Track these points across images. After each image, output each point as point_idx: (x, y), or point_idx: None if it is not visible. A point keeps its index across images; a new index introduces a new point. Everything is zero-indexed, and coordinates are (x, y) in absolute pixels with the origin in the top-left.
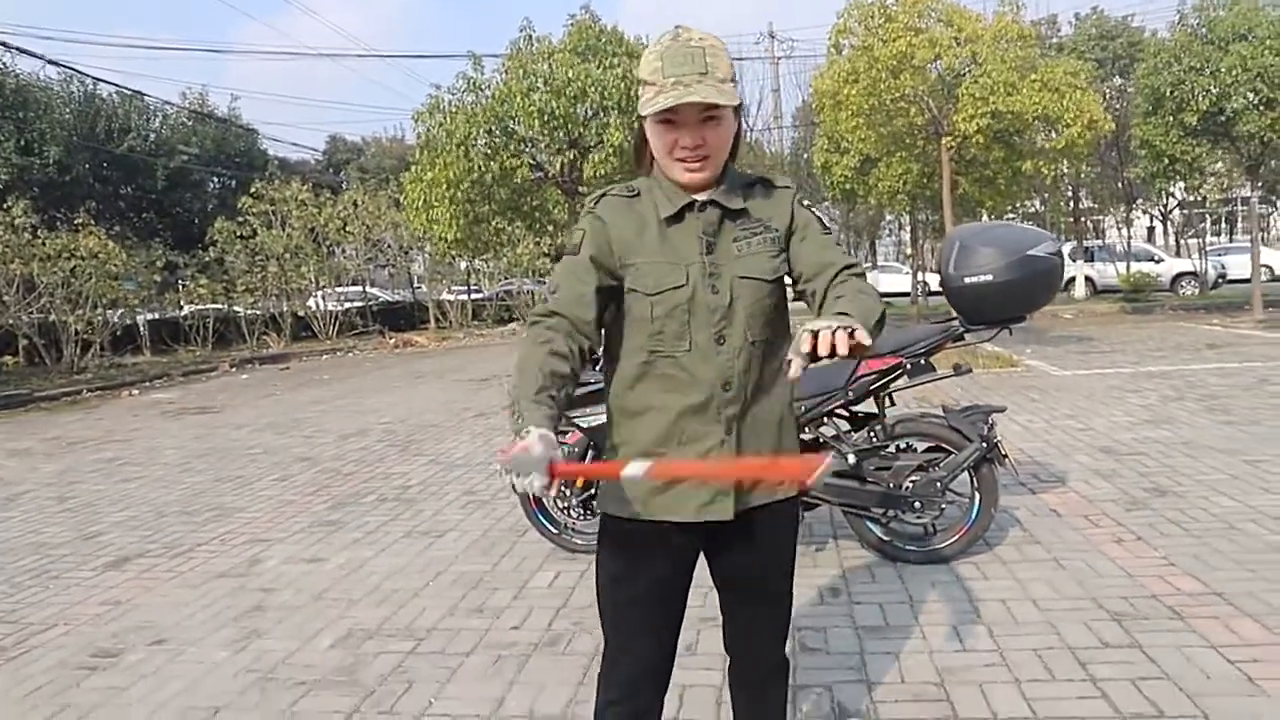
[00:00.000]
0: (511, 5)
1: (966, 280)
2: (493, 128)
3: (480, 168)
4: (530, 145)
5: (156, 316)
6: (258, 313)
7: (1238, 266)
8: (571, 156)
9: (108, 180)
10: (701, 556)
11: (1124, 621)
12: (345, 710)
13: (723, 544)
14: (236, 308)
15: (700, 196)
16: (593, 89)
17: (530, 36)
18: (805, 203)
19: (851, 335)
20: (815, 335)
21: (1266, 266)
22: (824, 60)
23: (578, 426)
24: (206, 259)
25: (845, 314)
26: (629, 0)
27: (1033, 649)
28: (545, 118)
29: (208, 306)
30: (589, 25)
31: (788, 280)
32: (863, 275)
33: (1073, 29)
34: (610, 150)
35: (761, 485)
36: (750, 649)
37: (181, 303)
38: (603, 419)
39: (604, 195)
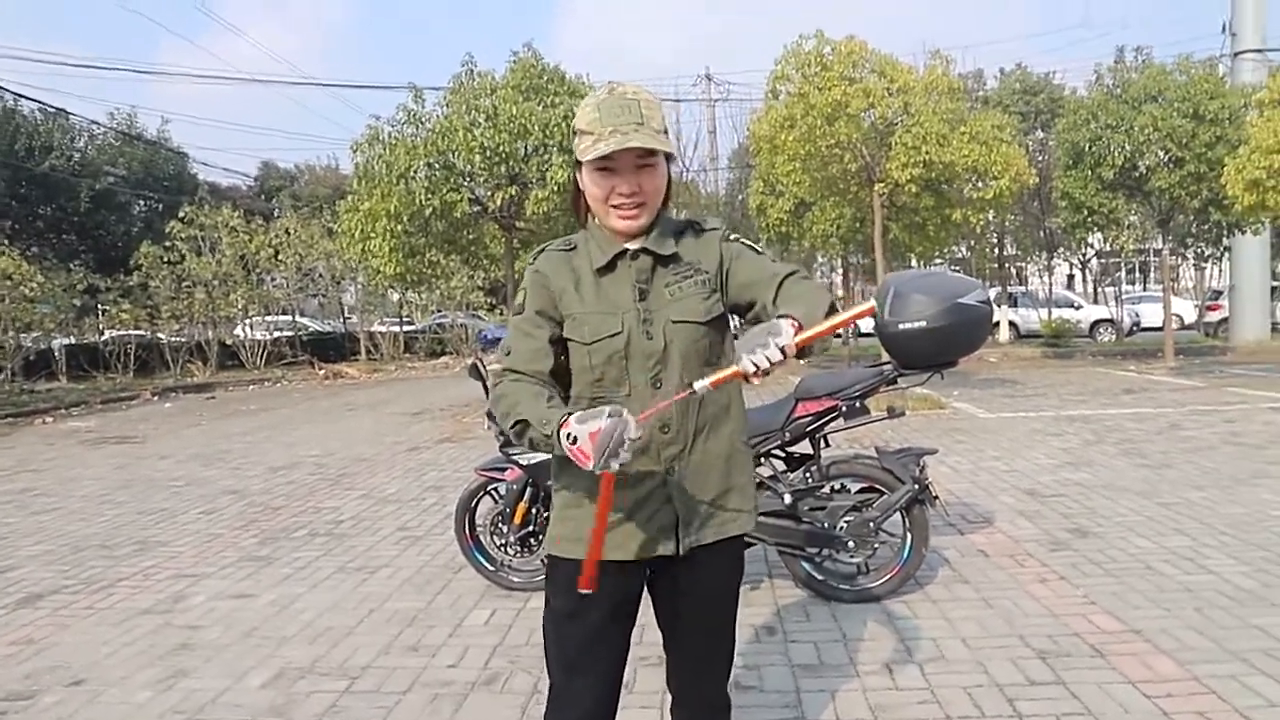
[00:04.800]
0: (448, 39)
1: (900, 326)
2: (433, 161)
3: (420, 201)
4: (470, 180)
5: (74, 341)
6: (182, 340)
7: (1151, 315)
8: (512, 192)
9: (26, 200)
10: (646, 594)
11: (1049, 659)
12: None
13: (668, 580)
14: (160, 334)
15: (632, 245)
16: (535, 126)
17: (472, 71)
18: (733, 237)
19: (783, 352)
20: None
21: (1177, 315)
22: (760, 104)
23: (517, 464)
24: (130, 284)
25: (788, 315)
26: (567, 39)
27: (962, 686)
28: (487, 153)
29: (129, 332)
30: (532, 63)
31: (734, 320)
32: (808, 278)
33: (998, 83)
34: (553, 188)
35: (713, 520)
36: (692, 687)
37: (102, 328)
38: (543, 457)
39: (543, 251)
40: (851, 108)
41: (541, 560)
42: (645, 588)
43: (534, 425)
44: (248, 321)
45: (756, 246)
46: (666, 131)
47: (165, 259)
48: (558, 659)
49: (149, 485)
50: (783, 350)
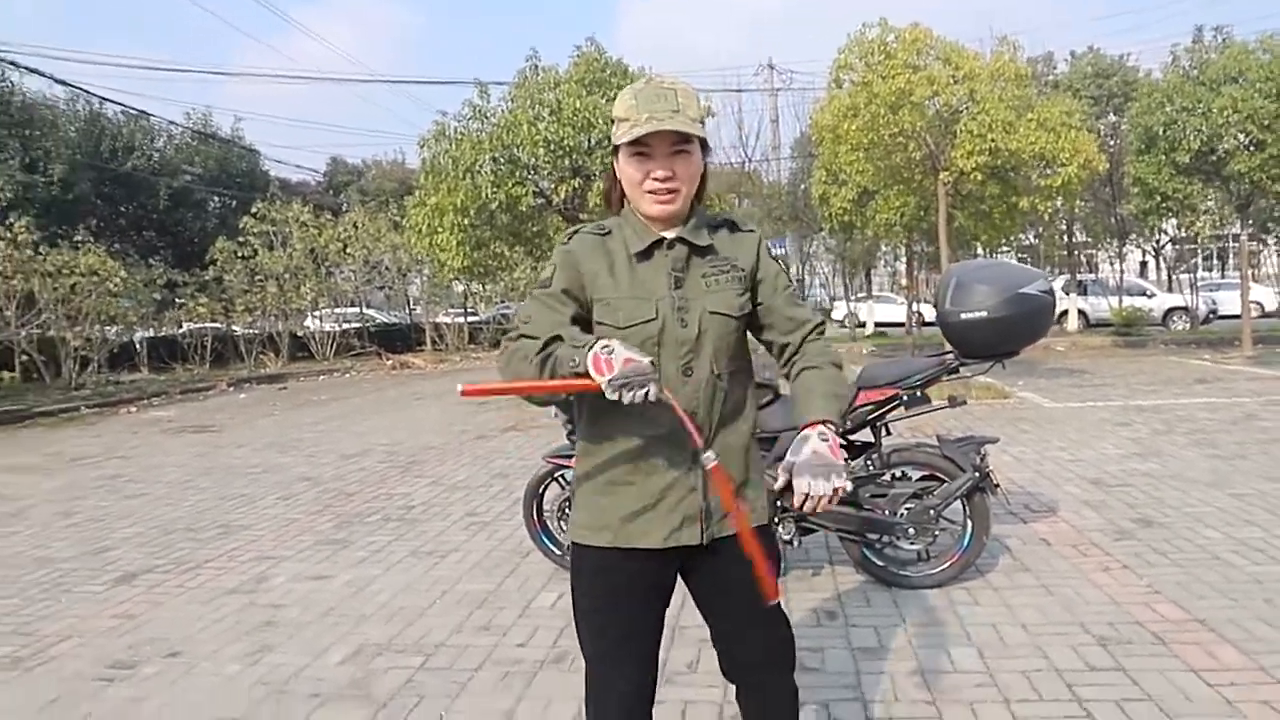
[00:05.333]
0: (508, 37)
1: (963, 316)
2: (498, 155)
3: (486, 195)
4: (534, 173)
5: (154, 334)
6: (255, 332)
7: (1228, 302)
8: (575, 185)
9: (110, 199)
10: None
11: (1109, 646)
12: None
13: (697, 572)
14: (234, 327)
15: (669, 234)
16: (598, 119)
17: (536, 66)
18: (775, 255)
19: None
20: (805, 497)
21: (1256, 303)
22: (822, 93)
23: None
24: (206, 278)
25: (827, 421)
26: (628, 34)
27: (1021, 670)
28: (551, 146)
29: (206, 325)
30: (595, 57)
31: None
32: (823, 332)
33: (1068, 66)
34: None
35: (731, 514)
36: (748, 674)
37: (181, 321)
38: None
39: (576, 232)
40: (915, 96)
41: None
42: (680, 579)
43: (566, 340)
44: (317, 314)
45: (789, 273)
46: (703, 121)
47: (239, 254)
48: (591, 646)
49: (228, 472)
50: (835, 492)
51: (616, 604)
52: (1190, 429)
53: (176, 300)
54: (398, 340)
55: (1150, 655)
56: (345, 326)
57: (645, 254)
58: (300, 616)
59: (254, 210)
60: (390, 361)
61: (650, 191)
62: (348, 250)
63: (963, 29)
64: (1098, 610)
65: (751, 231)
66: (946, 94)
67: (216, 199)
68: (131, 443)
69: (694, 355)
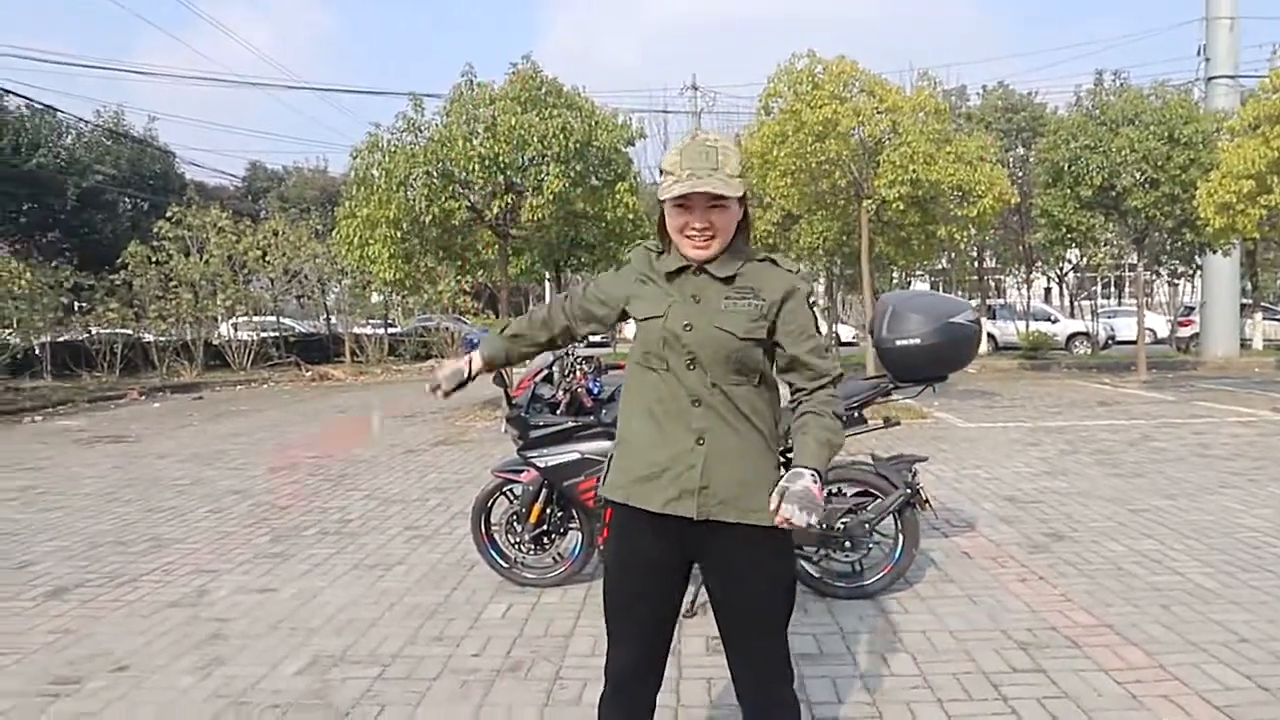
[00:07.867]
0: (429, 46)
1: (897, 343)
2: (432, 169)
3: (420, 208)
4: (467, 188)
5: (56, 339)
6: (168, 340)
7: (1125, 329)
8: (508, 200)
9: (13, 197)
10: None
11: (1029, 650)
12: None
13: (711, 560)
14: (146, 334)
15: (695, 262)
16: (533, 137)
17: (472, 82)
18: (812, 301)
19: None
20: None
21: (1150, 330)
22: (747, 116)
23: (535, 466)
24: (115, 282)
25: (813, 470)
26: (549, 47)
27: (951, 673)
28: (485, 162)
29: (116, 331)
30: (530, 76)
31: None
32: (835, 384)
33: (980, 100)
34: (549, 196)
35: (736, 503)
36: (745, 676)
37: (90, 326)
38: (561, 459)
39: (637, 245)
40: (841, 126)
41: (553, 558)
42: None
43: (508, 330)
44: (232, 322)
45: (820, 318)
46: (742, 175)
47: (152, 258)
48: (610, 609)
49: (152, 484)
50: (808, 525)
51: (629, 570)
52: (1094, 449)
53: (78, 305)
54: (316, 351)
55: (1066, 657)
56: (263, 336)
57: (674, 274)
58: (249, 629)
59: (169, 214)
60: (309, 373)
61: (688, 238)
62: (267, 258)
63: (884, 62)
64: (1017, 617)
65: (790, 273)
66: (871, 125)
67: (128, 201)
68: (42, 453)
69: (694, 357)
